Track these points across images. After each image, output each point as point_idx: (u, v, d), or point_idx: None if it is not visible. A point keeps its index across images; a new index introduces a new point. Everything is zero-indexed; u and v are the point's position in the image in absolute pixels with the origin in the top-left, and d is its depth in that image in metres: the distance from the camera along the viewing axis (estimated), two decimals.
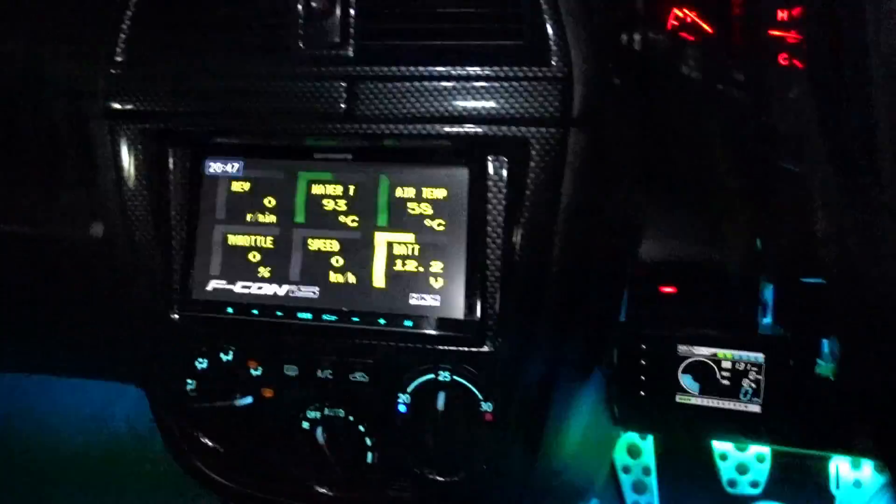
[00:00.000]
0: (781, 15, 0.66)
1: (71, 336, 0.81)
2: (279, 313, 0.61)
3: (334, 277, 0.60)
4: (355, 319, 0.59)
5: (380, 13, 0.59)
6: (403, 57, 0.57)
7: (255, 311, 0.61)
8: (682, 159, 0.60)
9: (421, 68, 0.57)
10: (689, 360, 0.60)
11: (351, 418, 0.61)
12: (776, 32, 0.66)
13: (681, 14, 0.66)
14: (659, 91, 0.57)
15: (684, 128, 0.58)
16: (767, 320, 0.61)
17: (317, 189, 0.61)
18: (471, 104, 0.56)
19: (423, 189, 0.59)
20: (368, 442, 0.61)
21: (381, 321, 0.59)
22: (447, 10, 0.58)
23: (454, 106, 0.56)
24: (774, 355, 0.60)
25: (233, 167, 0.64)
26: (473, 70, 0.56)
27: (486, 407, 0.57)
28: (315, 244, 0.61)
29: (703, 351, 0.60)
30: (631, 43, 0.54)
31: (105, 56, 0.63)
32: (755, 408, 0.59)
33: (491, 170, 0.58)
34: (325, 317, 0.60)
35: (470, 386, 0.58)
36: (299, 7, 0.59)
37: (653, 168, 0.59)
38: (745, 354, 0.59)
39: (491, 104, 0.55)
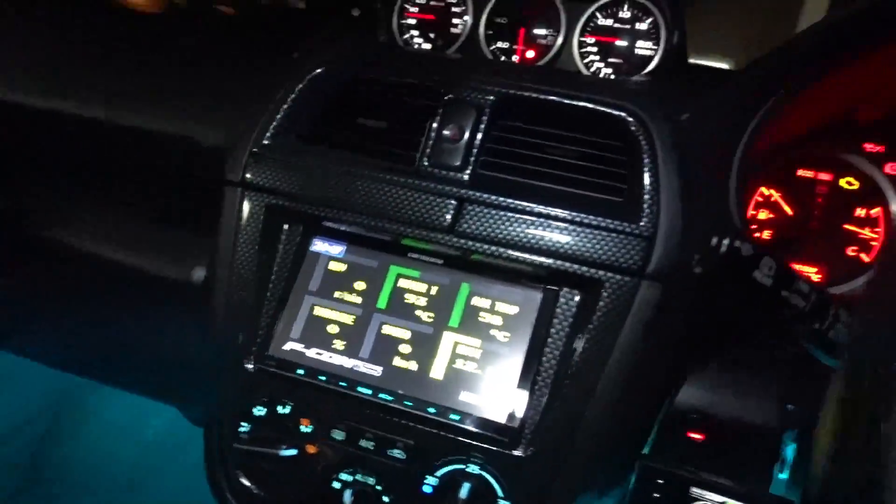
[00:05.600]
0: (859, 212, 0.76)
1: (151, 359, 0.88)
2: (343, 384, 0.65)
3: (398, 362, 0.65)
4: (408, 403, 0.63)
5: (499, 149, 0.67)
6: (511, 190, 0.64)
7: (322, 378, 0.66)
8: (727, 336, 0.66)
9: (524, 203, 0.63)
10: (699, 502, 0.64)
11: (379, 488, 0.64)
12: (850, 227, 0.75)
13: (766, 192, 0.75)
14: (729, 287, 0.63)
15: (737, 317, 0.65)
16: (784, 476, 0.66)
17: (403, 283, 0.67)
18: (560, 241, 0.62)
19: (498, 303, 0.65)
20: None
21: (431, 409, 0.63)
22: (560, 159, 0.66)
23: (545, 241, 0.62)
24: None
25: (335, 249, 0.70)
26: (570, 214, 0.62)
27: None
28: (388, 329, 0.66)
29: (714, 497, 0.64)
30: (718, 246, 0.62)
31: (254, 139, 0.72)
32: None
33: (563, 300, 0.63)
34: (381, 395, 0.64)
35: (494, 483, 0.63)
36: (433, 131, 0.67)
37: (700, 333, 0.66)
38: None
39: (578, 245, 0.62)
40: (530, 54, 0.84)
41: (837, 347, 0.43)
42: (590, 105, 0.63)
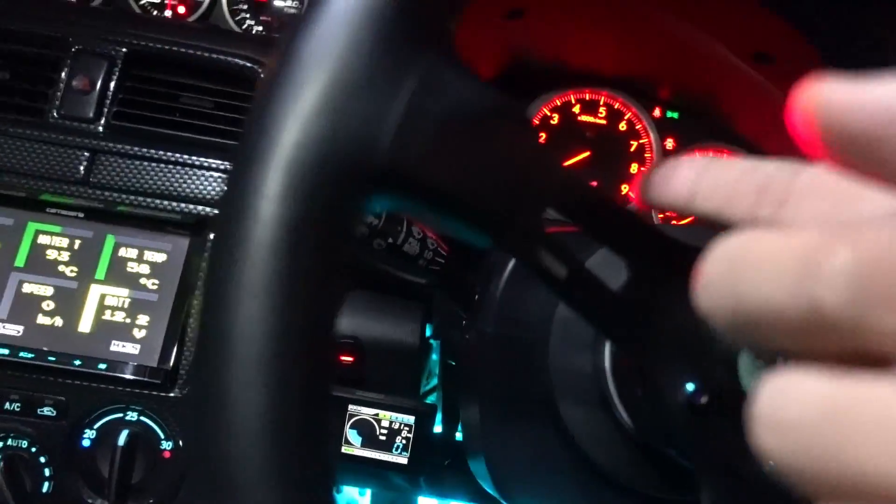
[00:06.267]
0: None
1: None
2: None
3: (42, 320, 0.63)
4: (51, 359, 0.63)
5: (135, 100, 0.67)
6: (147, 139, 0.66)
7: None
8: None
9: (161, 152, 0.65)
10: (357, 418, 0.73)
11: (34, 449, 0.62)
12: None
13: None
14: None
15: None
16: (433, 383, 0.76)
17: (44, 239, 0.65)
18: (200, 188, 0.65)
19: (146, 252, 0.67)
20: (47, 473, 0.63)
21: (77, 362, 0.63)
22: (196, 108, 0.68)
23: (186, 188, 0.65)
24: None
25: None
26: (208, 161, 0.66)
27: (166, 445, 0.65)
28: (29, 288, 0.64)
29: (368, 411, 0.73)
30: None
31: None
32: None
33: (210, 244, 0.67)
34: (22, 354, 0.62)
35: (154, 426, 0.65)
36: (61, 82, 0.67)
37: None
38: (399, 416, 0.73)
39: (218, 191, 0.67)
40: (182, 10, 0.85)
41: (408, 259, 0.52)
42: (213, 55, 0.66)
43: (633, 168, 0.83)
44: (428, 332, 0.81)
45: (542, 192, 0.25)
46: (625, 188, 0.83)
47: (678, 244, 0.31)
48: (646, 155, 0.83)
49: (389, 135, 0.21)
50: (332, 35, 0.21)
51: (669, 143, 0.83)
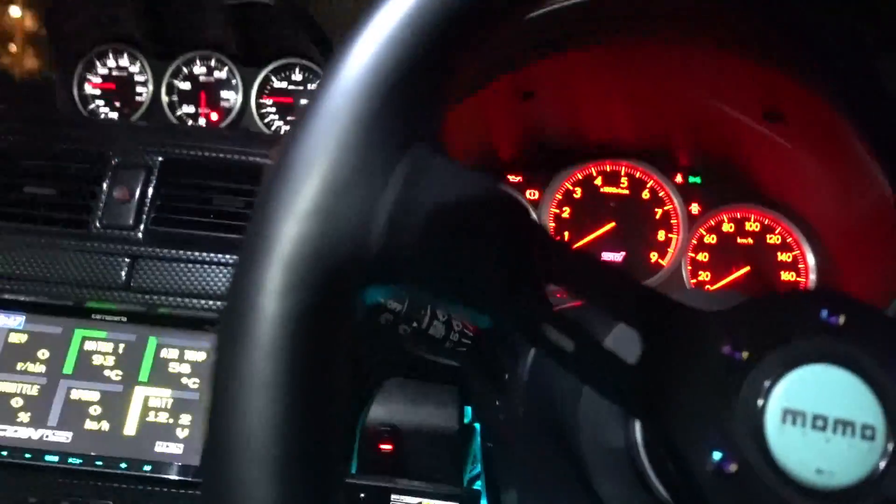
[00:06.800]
0: None
1: None
2: (27, 455, 0.64)
3: (90, 425, 0.65)
4: (98, 463, 0.64)
5: (171, 206, 0.71)
6: (184, 243, 0.68)
7: (4, 453, 0.64)
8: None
9: (196, 253, 0.68)
10: None
11: None
12: None
13: None
14: None
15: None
16: (477, 469, 0.75)
17: (90, 345, 0.68)
18: None
19: (187, 351, 0.69)
20: None
21: (123, 465, 0.64)
22: (229, 209, 0.72)
23: (221, 286, 0.68)
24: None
25: (14, 320, 0.71)
26: None
27: None
28: (77, 394, 0.66)
29: (411, 500, 0.71)
30: None
31: None
32: None
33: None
34: (70, 460, 0.64)
35: None
36: (103, 194, 0.72)
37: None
38: None
39: None
40: (214, 117, 0.89)
41: (435, 342, 0.52)
42: (242, 157, 0.69)
43: (661, 235, 0.83)
44: (468, 416, 0.80)
45: (542, 271, 0.26)
46: (654, 256, 0.83)
47: (687, 309, 0.31)
48: (672, 221, 0.83)
49: (381, 228, 0.22)
50: (324, 137, 0.23)
51: (695, 208, 0.83)
